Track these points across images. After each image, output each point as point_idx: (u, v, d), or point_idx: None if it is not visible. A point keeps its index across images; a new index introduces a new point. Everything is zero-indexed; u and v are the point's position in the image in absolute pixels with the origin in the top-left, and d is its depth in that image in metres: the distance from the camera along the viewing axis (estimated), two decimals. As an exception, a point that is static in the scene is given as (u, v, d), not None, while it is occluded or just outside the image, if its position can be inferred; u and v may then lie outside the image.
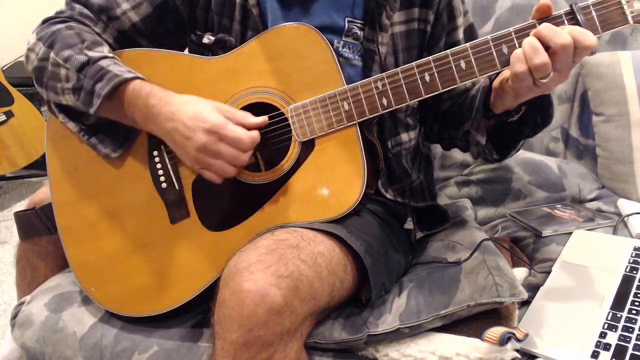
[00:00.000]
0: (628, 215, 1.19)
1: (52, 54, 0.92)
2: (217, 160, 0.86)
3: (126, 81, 0.89)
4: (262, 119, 0.89)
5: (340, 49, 0.97)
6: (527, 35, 0.80)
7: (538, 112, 0.92)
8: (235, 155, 0.85)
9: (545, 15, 0.81)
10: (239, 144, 0.85)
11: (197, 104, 0.87)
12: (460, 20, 1.03)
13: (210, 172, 0.88)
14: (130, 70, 0.91)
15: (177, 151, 0.90)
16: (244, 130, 0.85)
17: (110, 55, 0.93)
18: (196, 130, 0.84)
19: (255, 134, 0.87)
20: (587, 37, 0.77)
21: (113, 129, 0.96)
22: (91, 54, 0.91)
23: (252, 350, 0.74)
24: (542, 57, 0.77)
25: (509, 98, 0.87)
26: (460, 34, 1.04)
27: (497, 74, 0.89)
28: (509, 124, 0.94)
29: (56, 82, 0.93)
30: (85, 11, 0.98)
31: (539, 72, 0.78)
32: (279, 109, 0.92)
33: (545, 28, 0.77)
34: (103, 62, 0.90)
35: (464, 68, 0.84)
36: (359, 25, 0.97)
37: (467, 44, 0.84)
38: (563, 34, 0.76)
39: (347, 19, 0.97)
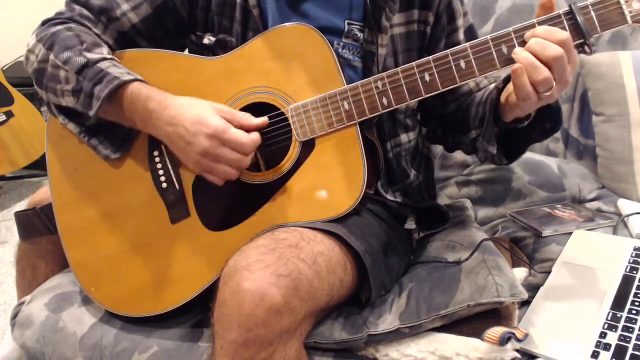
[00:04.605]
0: (628, 215, 1.19)
1: (51, 56, 0.92)
2: (219, 164, 0.86)
3: (125, 83, 0.89)
4: (263, 120, 0.89)
5: (340, 50, 0.97)
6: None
7: (547, 118, 0.93)
8: (237, 158, 0.86)
9: (548, 11, 0.81)
10: (240, 147, 0.85)
11: (198, 107, 0.87)
12: (461, 22, 1.03)
13: (212, 176, 0.88)
14: (130, 72, 0.91)
15: (178, 154, 0.90)
16: (245, 133, 0.86)
17: (110, 56, 0.93)
18: (198, 134, 0.84)
19: (257, 136, 0.87)
20: (556, 34, 0.78)
21: (113, 130, 0.96)
22: (90, 55, 0.91)
23: (251, 349, 0.74)
24: (543, 73, 0.78)
25: (516, 110, 0.87)
26: (461, 35, 1.04)
27: (505, 86, 0.90)
28: (518, 129, 0.94)
29: (56, 84, 0.93)
30: (85, 12, 0.98)
31: (542, 87, 0.79)
32: (279, 109, 0.92)
33: (535, 44, 0.79)
34: (102, 64, 0.90)
35: (463, 68, 0.84)
36: (358, 27, 0.97)
37: (467, 44, 0.84)
38: (552, 47, 0.77)
39: (346, 21, 0.97)
